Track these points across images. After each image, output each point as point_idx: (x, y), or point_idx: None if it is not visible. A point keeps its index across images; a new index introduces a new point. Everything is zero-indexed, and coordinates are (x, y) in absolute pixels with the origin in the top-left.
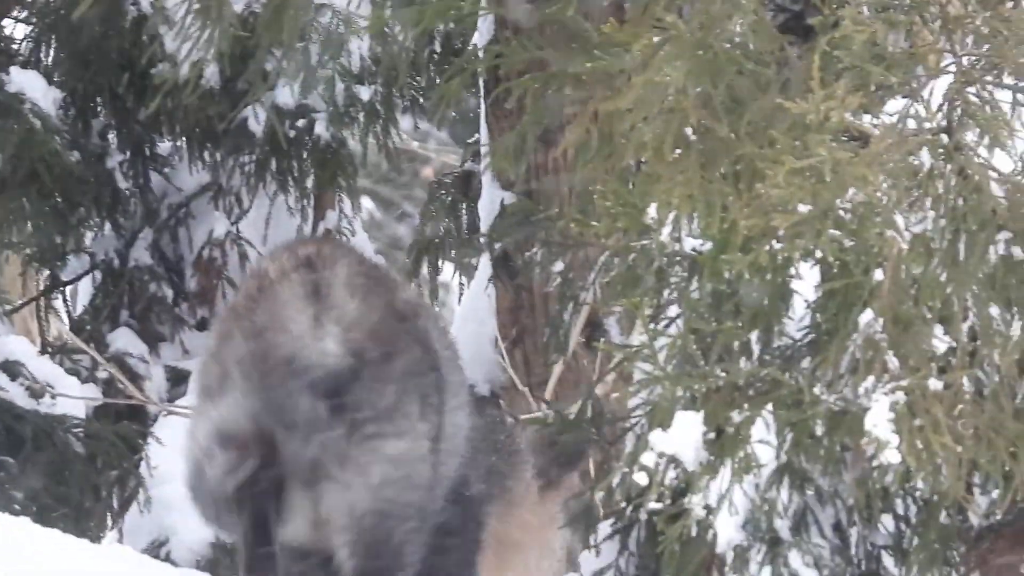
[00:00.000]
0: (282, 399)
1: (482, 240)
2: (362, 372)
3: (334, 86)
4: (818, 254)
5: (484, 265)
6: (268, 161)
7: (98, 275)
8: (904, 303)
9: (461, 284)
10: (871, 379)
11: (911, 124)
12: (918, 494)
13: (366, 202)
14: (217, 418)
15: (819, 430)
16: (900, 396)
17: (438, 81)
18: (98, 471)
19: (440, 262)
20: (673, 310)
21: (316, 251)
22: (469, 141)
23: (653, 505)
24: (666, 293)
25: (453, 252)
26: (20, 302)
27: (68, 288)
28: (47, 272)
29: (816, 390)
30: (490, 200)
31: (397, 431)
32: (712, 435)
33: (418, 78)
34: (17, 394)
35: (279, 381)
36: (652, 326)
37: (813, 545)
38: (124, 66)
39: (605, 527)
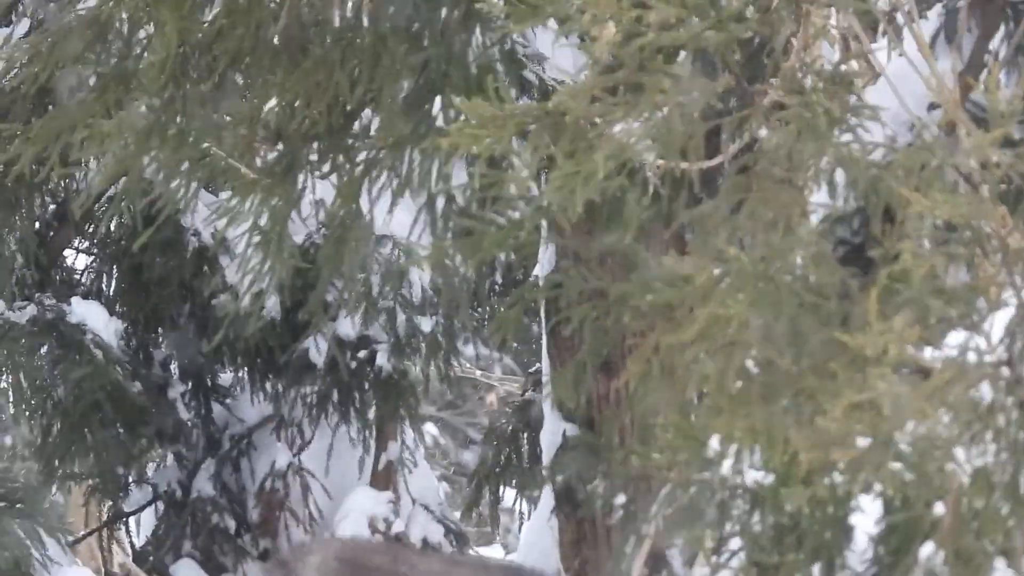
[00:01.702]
0: None
1: (544, 472)
2: None
3: (395, 317)
4: (878, 487)
5: (546, 496)
6: (330, 392)
7: (160, 505)
8: (966, 537)
9: (522, 513)
10: None
11: (972, 358)
12: None
13: (430, 428)
14: None
15: None
16: None
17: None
18: None
19: (501, 491)
20: (735, 542)
21: (298, 550)
22: (531, 370)
23: None
24: (728, 526)
25: (514, 481)
26: (83, 533)
27: (131, 519)
28: (109, 503)
29: None
30: (552, 431)
31: None
32: None
33: (480, 308)
34: None
35: None
36: (714, 559)
37: None
38: (185, 297)
39: None
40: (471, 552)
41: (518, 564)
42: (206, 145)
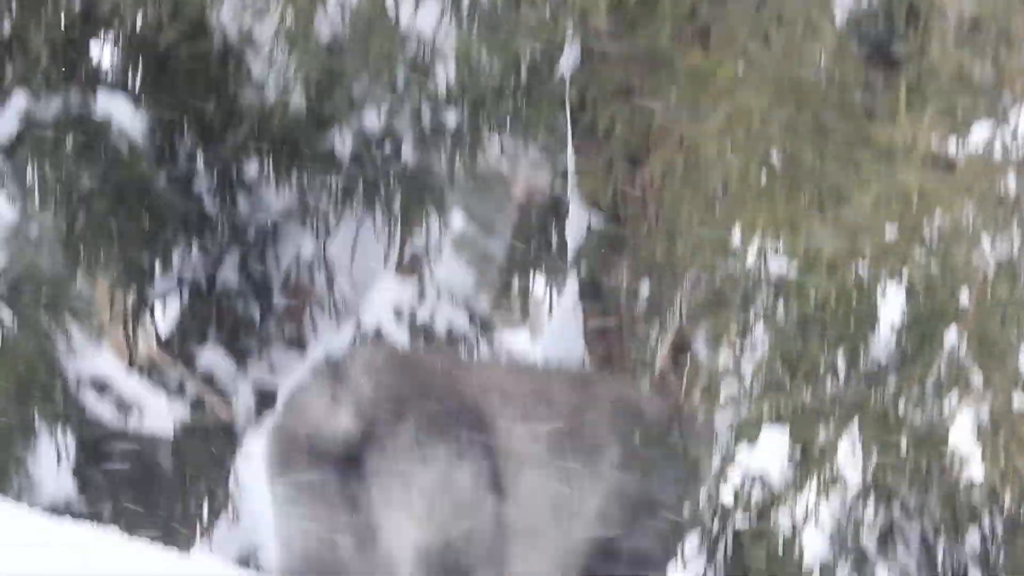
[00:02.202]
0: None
1: (570, 261)
2: (375, 432)
3: (420, 111)
4: (904, 277)
5: (572, 286)
6: (355, 184)
7: (186, 294)
8: (990, 324)
9: (551, 301)
10: (956, 398)
11: (998, 150)
12: (1004, 510)
13: (457, 216)
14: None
15: (904, 448)
16: (984, 414)
17: (525, 106)
18: (186, 486)
19: (531, 281)
20: (759, 331)
21: (348, 351)
22: (557, 164)
23: (739, 521)
24: (752, 315)
25: (543, 269)
26: (109, 321)
27: (156, 308)
28: (135, 291)
29: (901, 409)
30: (577, 223)
31: (425, 468)
32: (798, 453)
33: (504, 104)
34: (105, 411)
35: (300, 463)
36: (738, 346)
37: (900, 561)
38: (211, 92)
39: (692, 542)
40: (496, 338)
41: (577, 369)
42: None
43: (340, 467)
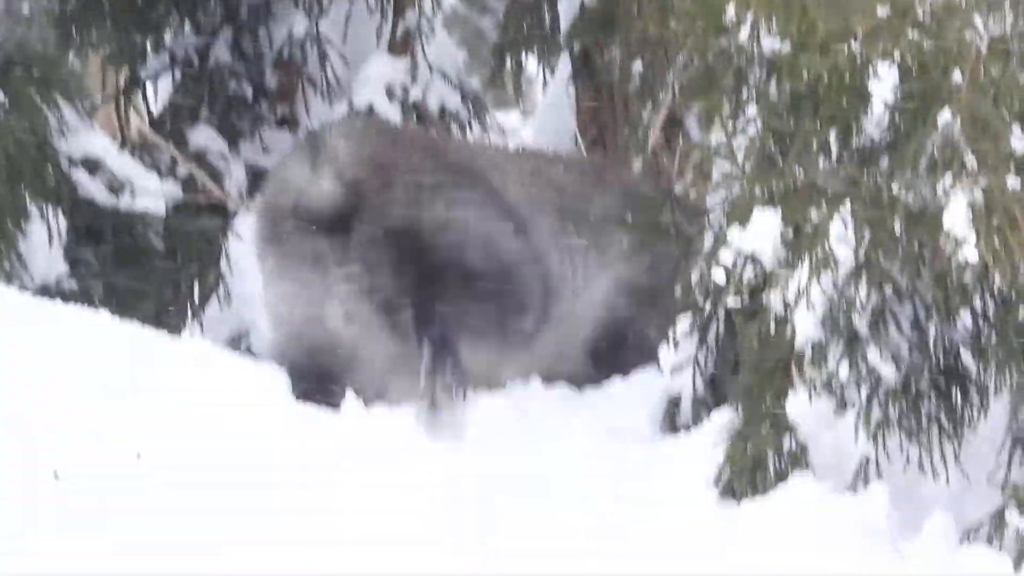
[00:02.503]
0: (293, 246)
1: (562, 40)
2: (363, 202)
3: None
4: (896, 54)
5: (564, 64)
6: None
7: (178, 73)
8: (983, 103)
9: (544, 81)
10: (949, 178)
11: None
12: (996, 291)
13: None
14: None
15: (897, 228)
16: (978, 194)
17: None
18: (177, 266)
19: (523, 59)
20: (752, 109)
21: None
22: None
23: (731, 302)
24: (745, 92)
25: (536, 48)
26: (100, 100)
27: (148, 86)
28: (127, 70)
29: (894, 189)
30: (570, 1)
31: (428, 216)
32: (790, 233)
33: None
34: (97, 190)
35: (288, 230)
36: (731, 125)
37: (891, 341)
38: None
39: (683, 322)
40: (489, 117)
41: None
42: None
43: (327, 235)
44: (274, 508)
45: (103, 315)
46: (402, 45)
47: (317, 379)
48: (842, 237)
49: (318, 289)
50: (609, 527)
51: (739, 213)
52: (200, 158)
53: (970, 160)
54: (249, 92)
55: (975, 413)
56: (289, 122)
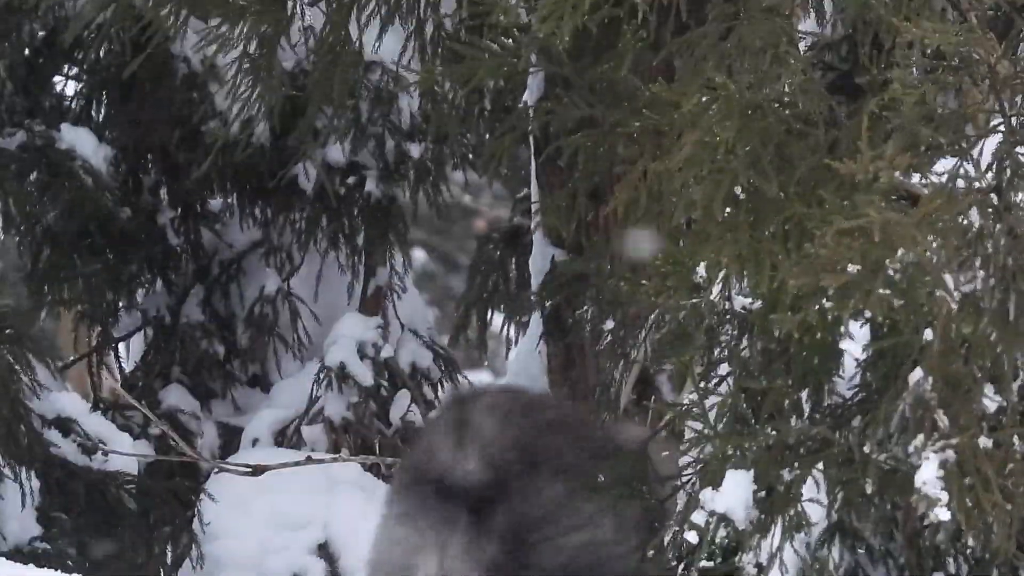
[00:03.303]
0: (437, 523)
1: (533, 298)
2: (508, 484)
3: (384, 143)
4: (868, 313)
5: (535, 323)
6: (319, 218)
7: (150, 332)
8: (954, 362)
9: (509, 339)
10: (921, 438)
11: (960, 184)
12: (969, 553)
13: (419, 254)
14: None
15: (870, 489)
16: (950, 455)
17: (488, 138)
18: (151, 527)
19: (489, 316)
20: (724, 368)
21: (470, 391)
22: (519, 196)
23: (704, 564)
24: (716, 352)
25: (503, 306)
26: (72, 358)
27: (120, 345)
28: (99, 329)
29: (866, 449)
30: (541, 257)
31: (569, 527)
32: (763, 494)
33: (469, 135)
34: (70, 450)
35: (432, 506)
36: (703, 385)
37: None
38: (175, 124)
39: None
40: (460, 378)
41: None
42: None
43: (468, 509)
44: None
45: None
46: (373, 303)
47: None
48: (814, 497)
49: (430, 542)
50: None
51: (711, 473)
52: (172, 418)
53: (942, 419)
54: (221, 351)
55: None
56: (260, 381)
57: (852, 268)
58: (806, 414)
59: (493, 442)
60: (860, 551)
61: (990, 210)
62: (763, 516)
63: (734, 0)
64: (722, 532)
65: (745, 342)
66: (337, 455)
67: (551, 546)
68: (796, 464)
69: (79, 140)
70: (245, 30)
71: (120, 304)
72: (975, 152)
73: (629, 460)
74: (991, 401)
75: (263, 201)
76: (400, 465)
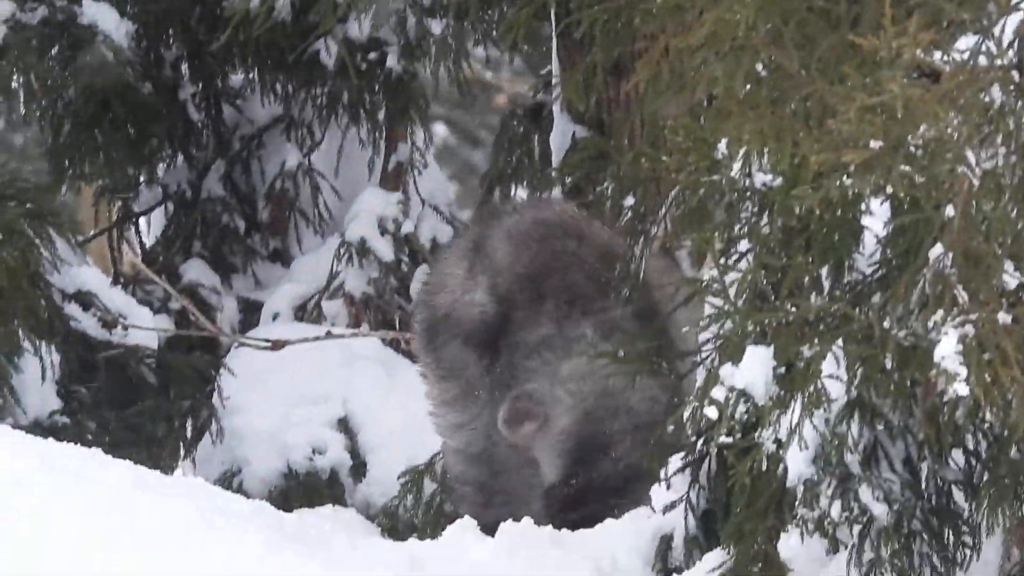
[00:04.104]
0: (446, 356)
1: (553, 174)
2: (511, 315)
3: (405, 19)
4: (888, 190)
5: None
6: (340, 94)
7: (170, 206)
8: (974, 238)
9: None
10: (940, 313)
11: (982, 61)
12: (988, 428)
13: (440, 129)
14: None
15: (889, 365)
16: (969, 330)
17: (508, 11)
18: (170, 402)
19: (511, 192)
20: (744, 245)
21: (494, 208)
22: (542, 72)
23: (723, 439)
24: (737, 228)
25: (525, 182)
26: (93, 233)
27: (141, 219)
28: (119, 203)
29: (886, 325)
30: (561, 133)
31: (568, 353)
32: (782, 370)
33: (489, 11)
34: (90, 325)
35: (442, 340)
36: (723, 261)
37: (883, 480)
38: None
39: (676, 461)
40: None
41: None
42: None
43: (475, 350)
44: None
45: (96, 453)
46: (394, 178)
47: (475, 488)
48: (834, 373)
49: (461, 402)
50: None
51: (731, 349)
52: (192, 292)
53: (961, 295)
54: (241, 225)
55: (967, 553)
56: (281, 256)
57: (873, 144)
58: (826, 290)
59: (503, 271)
60: (879, 427)
61: (1011, 87)
62: (782, 392)
63: None
64: (741, 408)
65: (765, 219)
66: (357, 330)
67: (548, 371)
68: (816, 340)
69: (100, 15)
70: None
71: (141, 179)
72: (997, 29)
73: (649, 334)
74: (1011, 277)
75: (284, 76)
76: (417, 303)
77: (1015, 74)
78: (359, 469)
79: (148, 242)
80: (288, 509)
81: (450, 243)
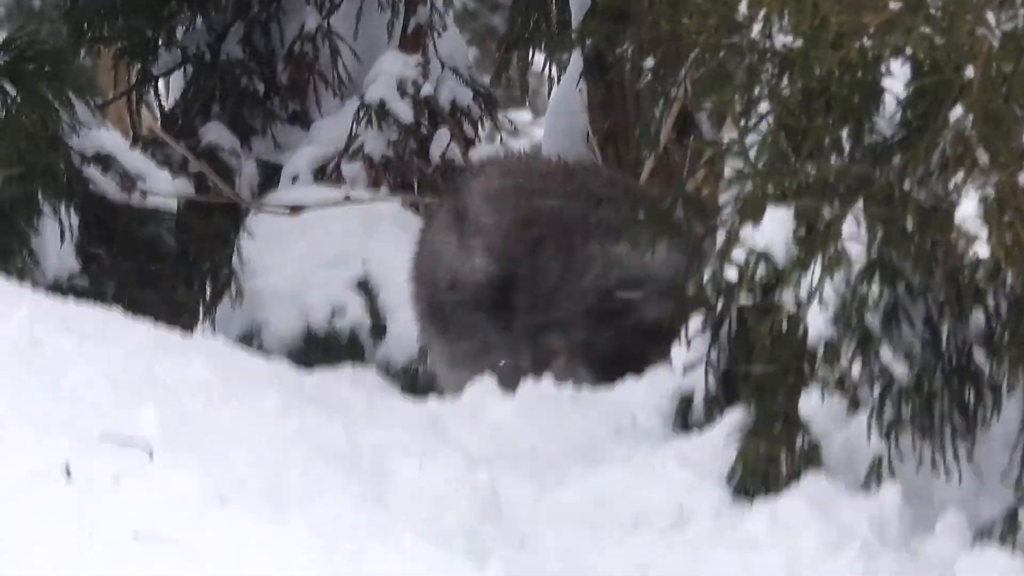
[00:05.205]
0: (455, 324)
1: (573, 36)
2: (515, 274)
3: None
4: (908, 51)
5: (575, 61)
6: None
7: (189, 69)
8: (994, 100)
9: (551, 77)
10: (961, 175)
11: None
12: (1008, 289)
13: None
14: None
15: (910, 226)
16: (989, 191)
17: None
18: (190, 264)
19: (531, 55)
20: (764, 107)
21: (463, 174)
22: None
23: (744, 299)
24: (757, 90)
25: (544, 45)
26: (112, 96)
27: (160, 82)
28: (138, 66)
29: (906, 186)
30: None
31: (584, 278)
32: (803, 231)
33: None
34: (109, 187)
35: (449, 309)
36: (743, 123)
37: (904, 340)
38: None
39: (696, 321)
40: (499, 115)
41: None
42: None
43: (487, 311)
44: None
45: (116, 314)
46: (413, 41)
47: None
48: (854, 235)
49: (472, 359)
50: (620, 526)
51: (751, 210)
52: (211, 155)
53: (982, 156)
54: (261, 88)
55: (988, 412)
56: (301, 118)
57: (893, 5)
58: (846, 152)
59: (493, 230)
60: (899, 287)
61: None
62: (803, 253)
63: None
64: (762, 269)
65: (785, 80)
66: (376, 193)
67: (568, 301)
68: (836, 202)
69: None
70: None
71: (160, 41)
72: None
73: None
74: None
75: None
76: (411, 278)
77: None
78: (379, 330)
79: (167, 104)
80: (308, 369)
81: (426, 223)
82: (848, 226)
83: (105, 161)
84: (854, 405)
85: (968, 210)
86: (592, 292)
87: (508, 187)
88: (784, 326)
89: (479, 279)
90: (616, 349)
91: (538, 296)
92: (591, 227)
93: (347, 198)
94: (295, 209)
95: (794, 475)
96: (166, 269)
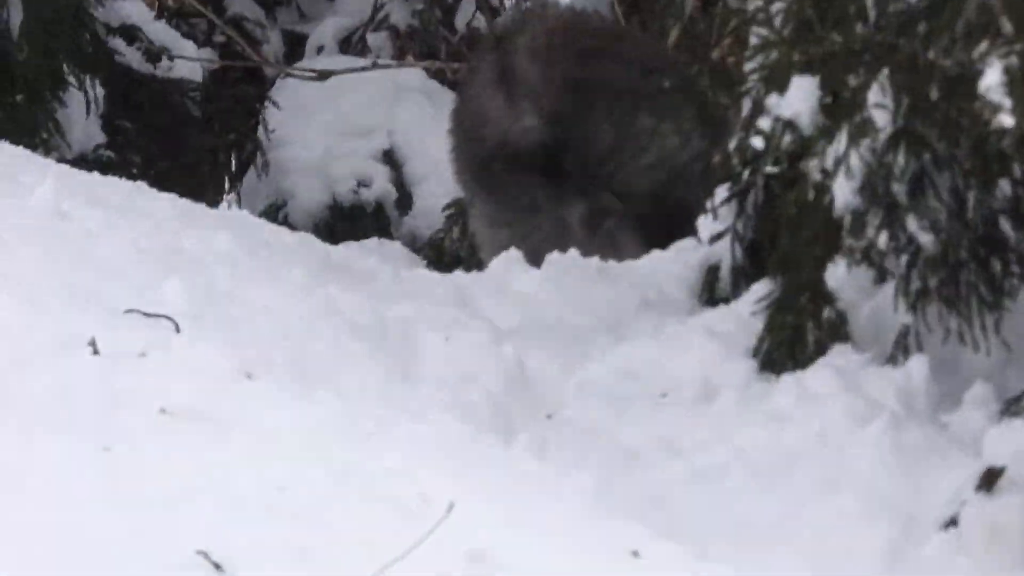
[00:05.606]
0: (501, 184)
1: None
2: (568, 135)
3: None
4: None
5: None
6: None
7: None
8: None
9: None
10: (985, 43)
11: None
12: None
13: None
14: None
15: (935, 95)
16: (1013, 60)
17: None
18: (215, 135)
19: None
20: None
21: (503, 29)
22: None
23: (770, 169)
24: None
25: None
26: None
27: None
28: None
29: (931, 55)
30: None
31: (635, 150)
32: (828, 100)
33: None
34: (134, 58)
35: (497, 169)
36: None
37: (930, 209)
38: None
39: (722, 191)
40: None
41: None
42: None
43: (546, 172)
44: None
45: (142, 186)
46: None
47: None
48: (880, 103)
49: (519, 221)
50: (647, 400)
51: (777, 80)
52: (237, 25)
53: (1006, 25)
54: None
55: (1015, 282)
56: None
57: None
58: (872, 20)
59: (543, 89)
60: (926, 156)
61: None
62: (829, 122)
63: None
64: (788, 138)
65: None
66: (402, 61)
67: (622, 176)
68: (861, 70)
69: None
70: None
71: None
72: None
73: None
74: None
75: None
76: (453, 137)
77: None
78: (404, 201)
79: None
80: (333, 241)
81: (467, 77)
82: (874, 94)
83: (130, 32)
84: (881, 276)
85: (992, 79)
86: (656, 169)
87: (556, 45)
88: (810, 195)
89: (532, 140)
90: (670, 227)
91: (591, 161)
92: (641, 98)
93: (374, 65)
94: (322, 74)
95: (821, 347)
96: (192, 140)
